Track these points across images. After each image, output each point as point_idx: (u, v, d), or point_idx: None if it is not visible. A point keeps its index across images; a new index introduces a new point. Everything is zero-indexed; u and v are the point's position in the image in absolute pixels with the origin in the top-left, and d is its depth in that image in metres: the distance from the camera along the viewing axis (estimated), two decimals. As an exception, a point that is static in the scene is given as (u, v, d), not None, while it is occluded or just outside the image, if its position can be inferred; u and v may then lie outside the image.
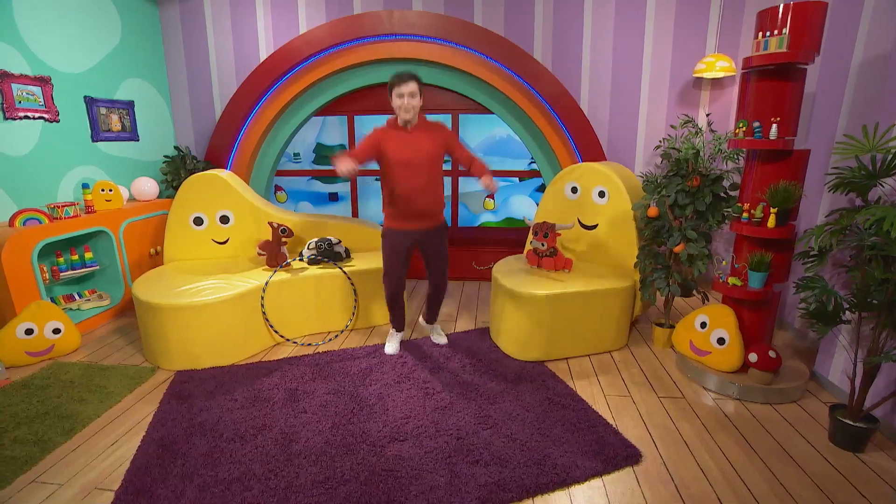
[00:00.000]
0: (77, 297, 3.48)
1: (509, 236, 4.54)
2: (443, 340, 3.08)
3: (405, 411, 2.37)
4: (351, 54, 4.10)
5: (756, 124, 2.29)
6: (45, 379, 2.68)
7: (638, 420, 2.34)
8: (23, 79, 3.22)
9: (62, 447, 2.15)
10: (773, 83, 2.27)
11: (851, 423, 2.05)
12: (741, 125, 2.34)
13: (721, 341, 2.56)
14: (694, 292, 2.97)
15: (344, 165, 2.32)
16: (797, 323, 3.12)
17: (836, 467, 1.99)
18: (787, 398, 2.44)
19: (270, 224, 3.22)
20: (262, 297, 2.99)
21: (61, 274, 3.28)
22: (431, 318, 3.11)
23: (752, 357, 2.44)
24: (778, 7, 2.21)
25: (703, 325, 2.65)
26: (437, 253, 2.78)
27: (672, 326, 3.05)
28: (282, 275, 3.12)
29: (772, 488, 1.89)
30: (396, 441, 2.16)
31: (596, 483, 1.94)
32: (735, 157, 2.77)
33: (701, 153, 2.75)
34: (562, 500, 1.85)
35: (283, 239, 3.24)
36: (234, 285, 2.92)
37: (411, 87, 2.44)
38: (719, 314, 2.59)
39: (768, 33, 2.18)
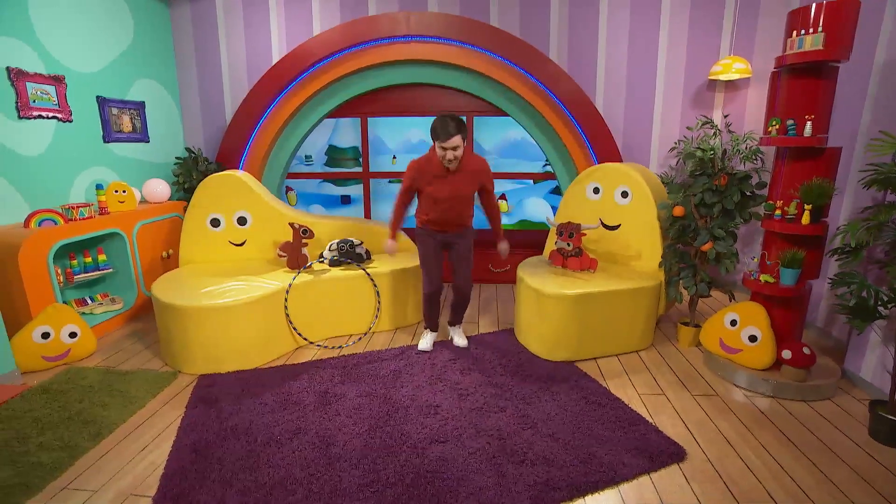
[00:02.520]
0: (89, 300, 3.39)
1: (525, 238, 4.52)
2: (463, 343, 3.04)
3: (442, 413, 2.33)
4: (366, 56, 4.08)
5: (790, 122, 2.31)
6: (63, 384, 2.60)
7: (675, 418, 2.33)
8: (37, 77, 3.15)
9: (91, 453, 2.08)
10: (806, 81, 2.29)
11: (893, 418, 2.05)
12: (774, 123, 2.36)
13: (753, 339, 2.56)
14: (720, 290, 2.98)
15: (390, 248, 2.79)
16: (820, 321, 3.14)
17: (881, 463, 1.99)
18: (820, 395, 2.44)
19: (292, 225, 3.17)
20: (286, 300, 2.93)
21: (75, 277, 3.20)
22: (455, 319, 3.11)
23: (786, 354, 2.44)
24: (810, 6, 2.24)
25: (734, 322, 2.65)
26: (462, 254, 2.84)
27: (697, 325, 3.06)
28: (303, 277, 3.07)
29: (819, 484, 1.88)
30: (437, 443, 2.12)
31: (644, 480, 1.92)
32: (753, 157, 2.80)
33: (728, 152, 2.77)
34: (613, 498, 1.83)
35: (305, 240, 3.20)
36: (258, 287, 2.86)
37: (455, 142, 2.46)
38: (750, 312, 2.59)
39: (803, 32, 2.21)
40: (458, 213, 2.72)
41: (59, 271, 3.09)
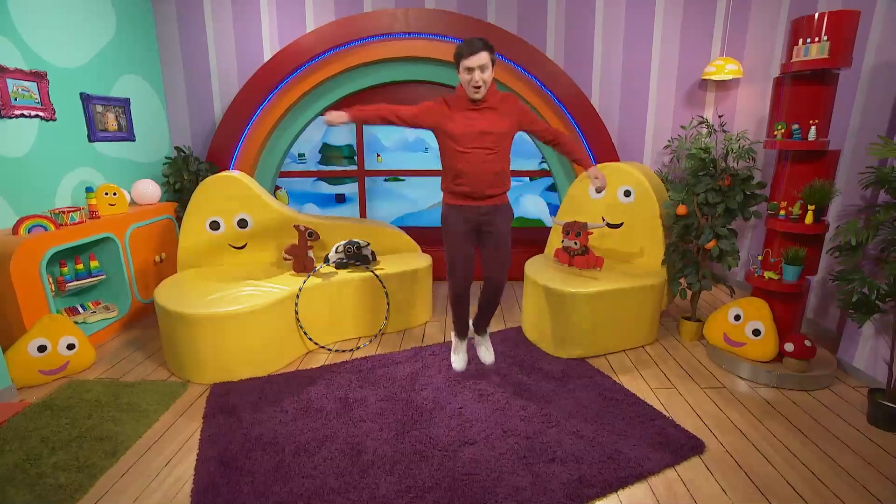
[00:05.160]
0: (81, 309, 3.23)
1: (522, 236, 4.57)
2: (490, 359, 2.64)
3: (466, 414, 2.35)
4: (361, 52, 4.01)
5: (795, 126, 2.42)
6: (66, 399, 2.49)
7: (689, 411, 2.43)
8: (18, 73, 2.96)
9: (111, 472, 2.00)
10: (810, 87, 2.41)
11: (892, 405, 2.20)
12: (780, 127, 2.47)
13: (756, 332, 2.68)
14: (721, 286, 3.10)
15: (333, 116, 2.14)
16: (810, 313, 3.31)
17: (883, 448, 2.13)
18: (819, 385, 2.59)
19: (297, 227, 3.11)
20: (297, 304, 2.88)
21: (67, 285, 3.04)
22: (482, 324, 2.63)
23: (789, 347, 2.57)
24: (814, 16, 2.34)
25: (738, 317, 2.77)
26: (498, 237, 2.31)
27: (699, 320, 3.18)
28: (310, 280, 3.02)
29: (832, 471, 2.00)
30: (467, 445, 2.14)
31: (670, 474, 1.99)
32: (746, 156, 2.91)
33: (728, 152, 2.87)
34: (643, 492, 1.89)
35: (310, 243, 3.14)
36: (269, 292, 2.80)
37: (482, 58, 2.00)
38: (754, 307, 2.71)
39: (808, 40, 2.31)
40: (492, 169, 2.18)
41: (51, 280, 2.94)
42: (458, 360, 2.61)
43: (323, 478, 1.95)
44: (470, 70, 2.03)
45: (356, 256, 3.22)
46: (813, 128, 2.37)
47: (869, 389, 2.33)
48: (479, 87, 2.07)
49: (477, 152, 2.16)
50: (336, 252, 3.23)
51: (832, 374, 2.61)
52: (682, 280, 3.12)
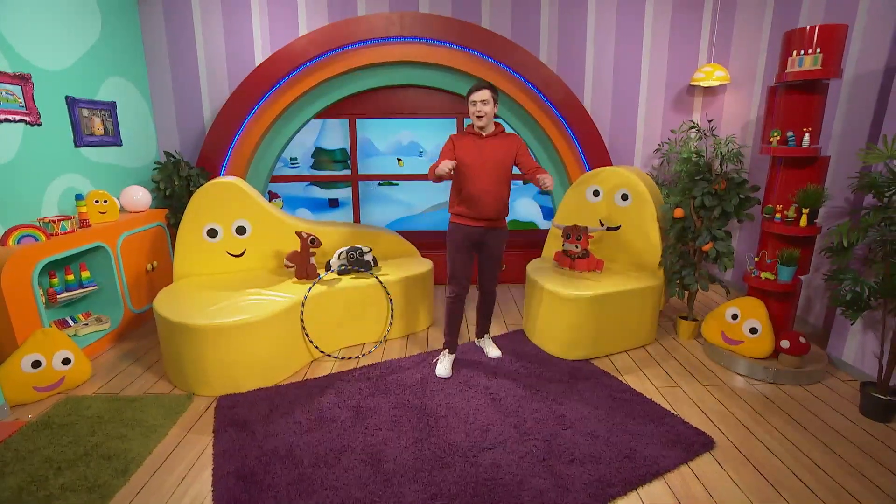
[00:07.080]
0: (71, 321, 3.11)
1: (517, 239, 4.61)
2: (496, 353, 3.00)
3: (481, 419, 2.38)
4: (355, 56, 3.99)
5: (790, 133, 2.53)
6: (65, 416, 2.39)
7: (695, 408, 2.51)
8: (2, 76, 2.83)
9: (123, 491, 1.94)
10: (803, 97, 2.52)
11: (883, 397, 2.33)
12: (775, 134, 2.58)
13: (753, 331, 2.79)
14: (718, 286, 3.21)
15: (444, 165, 2.40)
16: (797, 310, 3.46)
17: (878, 438, 2.26)
18: (812, 379, 2.71)
19: (299, 234, 3.07)
20: (302, 312, 2.85)
21: (58, 296, 2.92)
22: (482, 329, 3.07)
23: (784, 343, 2.69)
24: (805, 28, 2.45)
25: (735, 316, 2.88)
26: (493, 255, 2.77)
27: (695, 319, 3.28)
28: (313, 287, 2.98)
29: (834, 461, 2.10)
30: (486, 450, 2.16)
31: (685, 470, 2.06)
32: (735, 159, 3.04)
33: (723, 157, 2.98)
34: (662, 489, 1.95)
35: (312, 249, 3.11)
36: (274, 300, 2.75)
37: (483, 94, 2.54)
38: (751, 306, 2.82)
39: (802, 52, 2.42)
40: (495, 195, 2.60)
41: (42, 292, 2.81)
42: (443, 368, 2.81)
43: (347, 489, 1.93)
44: (474, 103, 2.57)
45: (359, 262, 3.20)
46: (807, 135, 2.48)
47: (861, 383, 2.46)
48: (480, 117, 2.57)
49: (482, 178, 2.59)
50: (339, 258, 3.20)
51: (823, 368, 2.74)
52: (678, 281, 3.22)
